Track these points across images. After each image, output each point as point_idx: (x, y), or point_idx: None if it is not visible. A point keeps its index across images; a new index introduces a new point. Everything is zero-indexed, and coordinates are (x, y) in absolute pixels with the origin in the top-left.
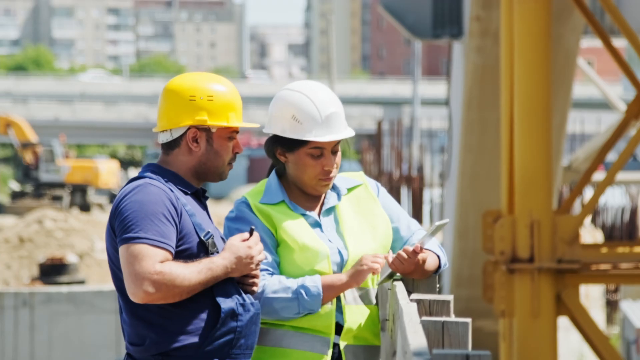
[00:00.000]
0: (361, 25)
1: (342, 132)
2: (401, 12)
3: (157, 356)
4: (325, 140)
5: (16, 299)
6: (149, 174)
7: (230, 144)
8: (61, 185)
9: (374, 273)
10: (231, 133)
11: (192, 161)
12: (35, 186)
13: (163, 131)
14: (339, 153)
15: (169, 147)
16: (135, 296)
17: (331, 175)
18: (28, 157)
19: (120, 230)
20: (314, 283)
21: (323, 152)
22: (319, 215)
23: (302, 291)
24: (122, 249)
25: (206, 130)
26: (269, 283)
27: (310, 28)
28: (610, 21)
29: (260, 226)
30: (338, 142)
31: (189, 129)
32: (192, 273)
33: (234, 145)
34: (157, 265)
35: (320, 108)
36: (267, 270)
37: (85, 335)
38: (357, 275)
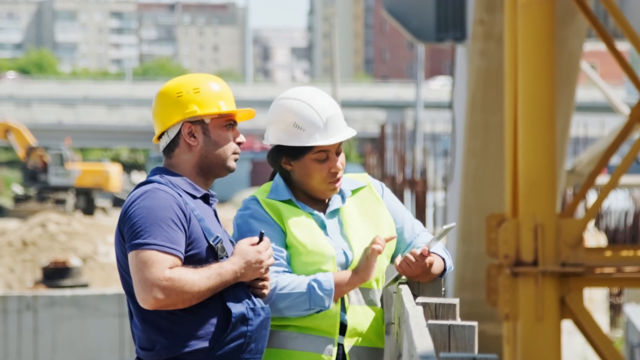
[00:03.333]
0: (364, 29)
1: (344, 132)
2: (404, 15)
3: None
4: (330, 143)
5: (19, 302)
6: (157, 178)
7: (230, 133)
8: (71, 189)
9: (379, 253)
10: (227, 121)
11: (194, 157)
12: (39, 190)
13: (161, 136)
14: (343, 153)
15: (170, 149)
16: (144, 302)
17: (338, 176)
18: (33, 161)
19: (130, 236)
20: (327, 278)
21: (328, 155)
22: (323, 216)
23: (315, 285)
24: (131, 255)
25: (200, 122)
26: (280, 280)
27: (313, 31)
28: (614, 24)
29: (271, 222)
30: (341, 143)
31: (182, 125)
32: (202, 279)
33: (234, 135)
34: (167, 271)
35: (320, 112)
36: (280, 264)
37: (88, 338)
38: (367, 267)
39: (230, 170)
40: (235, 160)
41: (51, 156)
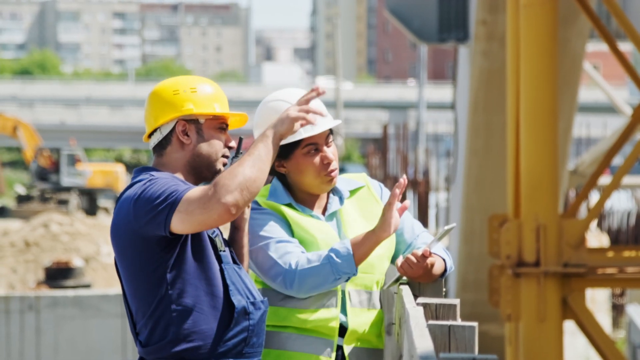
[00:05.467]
0: (367, 29)
1: (328, 122)
2: (407, 16)
3: (171, 357)
4: (314, 133)
5: (22, 303)
6: (147, 176)
7: (222, 136)
8: (74, 190)
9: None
10: (220, 124)
11: (186, 156)
12: (41, 191)
13: (152, 134)
14: (334, 146)
15: (161, 146)
16: (220, 217)
17: (332, 167)
18: (43, 161)
19: (158, 207)
20: (343, 245)
21: (317, 147)
22: (323, 218)
23: (333, 254)
24: (175, 217)
25: (194, 122)
26: (300, 259)
27: (316, 32)
28: (617, 25)
29: (277, 216)
30: (330, 135)
31: (177, 122)
32: (238, 160)
33: (225, 138)
34: (204, 186)
35: None
36: (297, 245)
37: (90, 339)
38: (385, 223)
39: (217, 173)
40: (224, 164)
41: (63, 157)
